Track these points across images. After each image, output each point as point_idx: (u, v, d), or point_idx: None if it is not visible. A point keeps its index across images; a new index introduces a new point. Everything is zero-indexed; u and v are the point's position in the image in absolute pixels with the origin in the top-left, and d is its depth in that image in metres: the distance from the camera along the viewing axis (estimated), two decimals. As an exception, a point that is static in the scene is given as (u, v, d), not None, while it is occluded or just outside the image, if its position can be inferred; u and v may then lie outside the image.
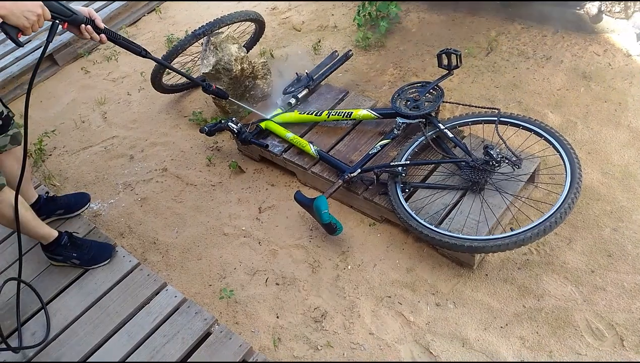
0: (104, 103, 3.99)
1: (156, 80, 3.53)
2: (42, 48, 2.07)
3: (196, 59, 3.94)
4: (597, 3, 3.23)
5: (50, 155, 3.62)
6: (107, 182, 3.31)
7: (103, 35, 2.21)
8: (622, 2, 3.14)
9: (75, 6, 2.16)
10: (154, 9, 5.00)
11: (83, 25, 2.14)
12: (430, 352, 2.18)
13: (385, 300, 2.40)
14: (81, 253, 2.50)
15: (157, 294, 2.39)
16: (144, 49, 2.53)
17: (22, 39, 1.92)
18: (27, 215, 2.33)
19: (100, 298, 2.41)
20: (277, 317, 2.44)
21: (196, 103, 3.81)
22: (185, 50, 3.52)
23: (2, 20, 1.86)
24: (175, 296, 2.36)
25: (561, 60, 3.31)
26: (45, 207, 2.71)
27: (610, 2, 3.18)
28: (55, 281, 2.50)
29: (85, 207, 2.87)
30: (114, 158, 3.48)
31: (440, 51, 2.73)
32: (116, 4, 4.86)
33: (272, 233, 2.81)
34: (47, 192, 2.84)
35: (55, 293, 2.45)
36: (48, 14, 1.96)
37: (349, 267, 2.56)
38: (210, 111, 3.67)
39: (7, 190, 2.21)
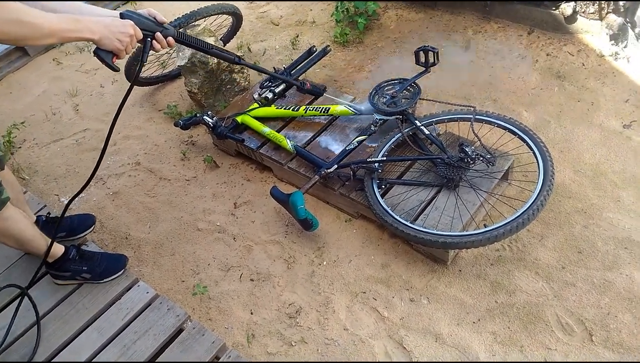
0: (76, 95, 3.91)
1: (130, 73, 3.47)
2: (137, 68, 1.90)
3: (171, 51, 3.89)
4: (571, 4, 3.27)
5: (20, 147, 3.54)
6: (78, 176, 3.24)
7: (170, 38, 2.01)
8: (596, 3, 3.19)
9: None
10: (128, 1, 4.92)
11: (159, 34, 1.94)
12: (404, 347, 2.19)
13: (360, 296, 2.40)
14: (92, 266, 2.35)
15: (128, 290, 2.35)
16: (236, 55, 2.54)
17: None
18: (31, 230, 2.19)
19: (70, 294, 2.36)
20: (251, 313, 2.42)
21: (171, 96, 3.76)
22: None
23: (95, 45, 1.75)
24: (147, 292, 2.32)
25: (536, 59, 3.35)
26: (46, 229, 2.39)
27: (584, 2, 3.22)
28: (23, 277, 2.43)
29: (91, 229, 2.68)
30: (86, 151, 3.41)
31: (418, 48, 2.73)
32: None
33: (247, 228, 2.78)
34: (49, 213, 2.67)
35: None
36: (140, 33, 1.84)
37: (325, 263, 2.56)
38: (185, 104, 3.62)
39: (12, 207, 2.08)
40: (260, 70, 2.96)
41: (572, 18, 3.33)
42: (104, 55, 1.77)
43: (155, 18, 1.96)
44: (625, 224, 2.42)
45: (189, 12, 3.30)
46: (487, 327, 2.20)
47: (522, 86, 3.20)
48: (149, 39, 1.92)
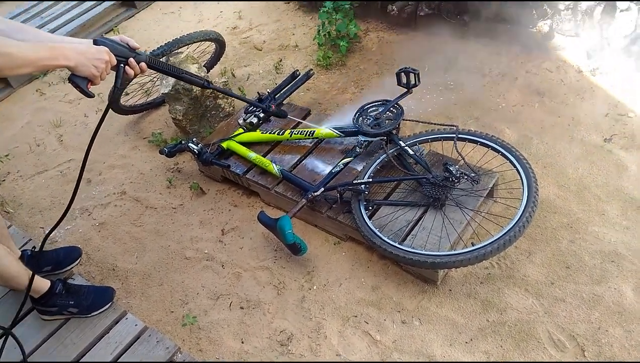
0: (60, 125, 3.89)
1: (113, 100, 3.46)
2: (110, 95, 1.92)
3: (155, 79, 3.90)
4: (548, 22, 3.34)
5: (4, 180, 3.50)
6: (63, 207, 3.14)
7: (143, 64, 2.02)
8: (573, 20, 3.25)
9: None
10: (112, 29, 4.94)
11: (132, 60, 1.96)
12: (397, 371, 2.18)
13: (351, 320, 2.39)
14: (79, 300, 2.32)
15: (116, 323, 2.32)
16: (205, 80, 2.54)
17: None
18: (16, 267, 2.15)
19: (57, 330, 2.33)
20: (242, 342, 2.39)
21: (156, 124, 3.75)
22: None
23: (70, 72, 1.75)
24: (136, 325, 2.30)
25: (516, 77, 3.40)
26: (31, 264, 2.37)
27: (561, 20, 3.29)
28: (9, 314, 2.38)
29: (77, 262, 2.66)
30: (71, 182, 3.39)
31: (399, 70, 2.77)
32: (72, 25, 4.79)
33: (235, 255, 2.76)
34: (34, 247, 2.65)
35: (9, 324, 2.34)
36: (114, 59, 1.85)
37: (315, 288, 2.54)
38: (170, 132, 3.62)
39: None
40: (229, 94, 2.99)
41: (549, 35, 3.40)
42: (79, 81, 1.78)
43: (128, 44, 1.99)
44: (611, 238, 2.44)
45: (171, 40, 3.32)
46: (480, 347, 2.20)
47: (503, 103, 3.25)
48: (122, 65, 1.94)
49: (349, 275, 2.57)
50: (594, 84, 3.20)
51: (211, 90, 3.12)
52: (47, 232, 2.77)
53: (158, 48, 3.25)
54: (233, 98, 3.57)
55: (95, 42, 1.88)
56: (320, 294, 2.51)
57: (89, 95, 1.83)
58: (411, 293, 2.44)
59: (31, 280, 2.11)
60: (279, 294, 2.55)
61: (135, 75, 2.05)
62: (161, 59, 3.29)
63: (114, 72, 1.94)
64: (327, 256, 2.67)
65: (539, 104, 3.18)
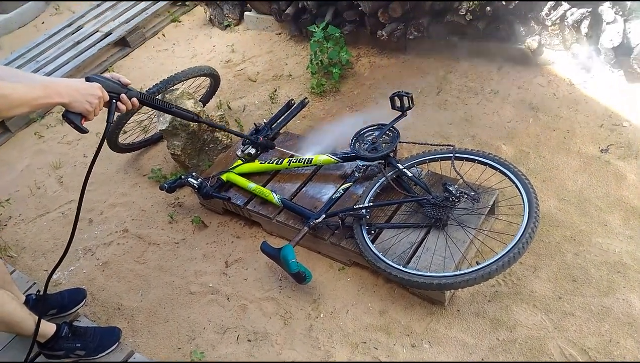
0: (60, 167, 3.92)
1: (112, 140, 3.49)
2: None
3: (152, 116, 3.93)
4: (537, 37, 3.39)
5: (6, 225, 3.51)
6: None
7: (134, 99, 2.09)
8: (561, 35, 3.30)
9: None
10: (107, 69, 5.00)
11: (124, 95, 2.02)
12: (410, 396, 2.15)
13: (360, 347, 2.37)
14: (86, 343, 2.32)
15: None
16: (195, 114, 2.68)
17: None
18: (20, 312, 2.15)
19: (64, 374, 2.30)
20: (252, 375, 2.37)
21: (155, 160, 3.78)
22: (140, 109, 3.52)
23: (64, 108, 1.79)
24: (144, 363, 2.28)
25: (508, 93, 3.44)
26: (36, 308, 2.35)
27: (549, 35, 3.34)
28: (16, 358, 2.37)
29: (82, 303, 2.66)
30: (72, 222, 3.38)
31: (393, 94, 2.79)
32: (67, 67, 4.85)
33: (240, 287, 2.75)
34: (38, 291, 2.65)
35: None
36: (107, 95, 1.90)
37: (322, 316, 2.53)
38: (169, 167, 3.64)
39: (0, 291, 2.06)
40: (217, 127, 3.12)
41: (538, 51, 3.45)
42: (73, 117, 1.82)
43: (119, 80, 2.04)
44: (615, 248, 2.43)
45: (166, 78, 3.36)
46: (492, 366, 2.18)
47: (498, 120, 3.27)
48: (114, 100, 1.98)
49: (355, 301, 2.55)
50: (586, 96, 3.23)
51: (200, 123, 3.19)
52: (57, 276, 2.78)
53: (154, 86, 3.29)
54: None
55: (88, 79, 1.94)
56: (328, 322, 2.50)
57: (83, 130, 1.87)
58: (419, 316, 2.42)
59: (37, 324, 2.11)
60: (286, 324, 2.53)
61: (128, 111, 2.10)
62: (157, 96, 3.34)
63: (107, 109, 1.99)
64: (333, 282, 2.66)
65: (533, 119, 3.20)
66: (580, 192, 2.74)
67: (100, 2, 5.72)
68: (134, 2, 5.54)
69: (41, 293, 2.59)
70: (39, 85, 1.73)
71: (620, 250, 2.42)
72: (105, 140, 3.43)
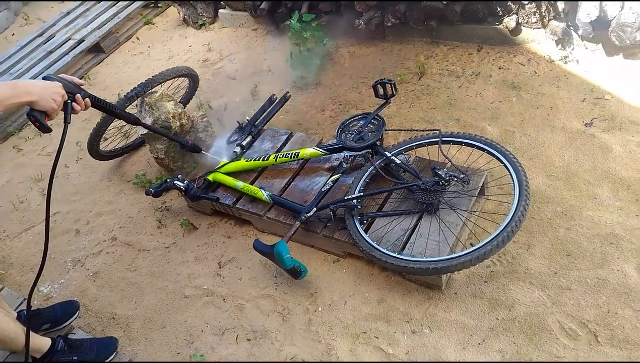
0: (42, 179, 3.84)
1: (93, 148, 3.43)
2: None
3: (133, 121, 3.86)
4: (514, 17, 3.39)
5: (-10, 242, 3.43)
6: (55, 262, 3.15)
7: (87, 100, 2.08)
8: (538, 13, 3.30)
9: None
10: (82, 76, 4.91)
11: (78, 96, 2.00)
12: (414, 382, 2.15)
13: (361, 337, 2.35)
14: (83, 355, 2.28)
15: (123, 372, 2.27)
16: (135, 116, 2.70)
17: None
18: (13, 328, 2.11)
19: (63, 388, 2.26)
20: (254, 374, 2.35)
21: (138, 165, 3.72)
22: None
23: (29, 107, 1.78)
24: (143, 371, 2.24)
25: (490, 74, 3.44)
26: (29, 323, 2.25)
27: (526, 14, 3.34)
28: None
29: (75, 316, 2.61)
30: (59, 235, 3.33)
31: (375, 82, 2.78)
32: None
33: (235, 287, 2.72)
34: (30, 307, 2.59)
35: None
36: (66, 95, 1.90)
37: (320, 309, 2.51)
38: (154, 171, 3.58)
39: None
40: (158, 132, 3.13)
41: (516, 30, 3.45)
42: (39, 115, 1.82)
43: (73, 81, 2.02)
44: (607, 220, 2.45)
45: (144, 81, 3.31)
46: (493, 346, 2.18)
47: (481, 102, 3.27)
48: (69, 101, 1.97)
49: (352, 292, 2.54)
50: (567, 72, 3.25)
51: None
52: (47, 289, 2.74)
53: (132, 90, 3.24)
54: (213, 130, 3.56)
55: (47, 78, 1.93)
56: (327, 315, 2.48)
57: (48, 129, 1.86)
58: (417, 302, 2.42)
59: (27, 338, 2.06)
60: (284, 320, 2.51)
61: (82, 110, 2.07)
62: (136, 100, 3.28)
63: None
64: (328, 275, 2.64)
65: (516, 98, 3.21)
66: (568, 167, 2.75)
67: (70, 9, 5.61)
68: (107, 2, 5.43)
69: (32, 308, 2.54)
70: (7, 86, 1.74)
71: (612, 222, 2.44)
72: (88, 149, 3.42)
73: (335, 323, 2.44)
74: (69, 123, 1.95)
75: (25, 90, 1.75)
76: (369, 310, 2.44)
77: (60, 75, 2.02)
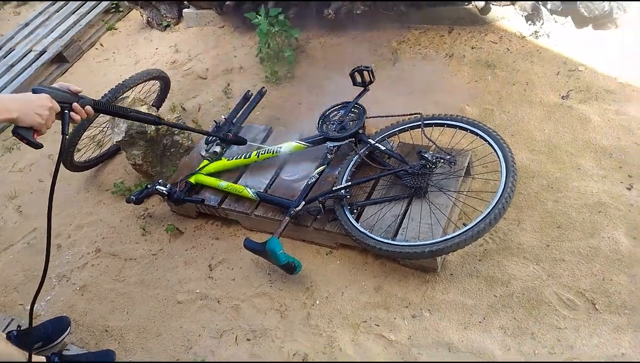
0: (16, 196, 3.72)
1: (68, 160, 3.33)
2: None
3: (105, 129, 3.77)
4: (482, -5, 3.41)
5: (-33, 266, 3.31)
6: (39, 280, 3.03)
7: (88, 107, 1.93)
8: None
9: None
10: (51, 84, 4.76)
11: (76, 104, 1.87)
12: (420, 366, 2.15)
13: (362, 326, 2.35)
14: None
15: (123, 385, 2.21)
16: (156, 116, 2.52)
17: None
18: (7, 348, 2.03)
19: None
20: (257, 374, 2.32)
21: (115, 174, 3.63)
22: (92, 122, 3.37)
23: (14, 125, 1.67)
24: (144, 382, 2.19)
25: (463, 55, 3.45)
26: (19, 344, 2.21)
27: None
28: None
29: (67, 332, 2.53)
30: (40, 252, 3.22)
31: (353, 70, 2.76)
32: (6, 91, 4.61)
33: (229, 288, 2.68)
34: (19, 326, 2.50)
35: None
36: (57, 106, 1.78)
37: (318, 302, 2.49)
38: (132, 179, 3.50)
39: None
40: (183, 128, 3.05)
41: (486, 9, 3.47)
42: (24, 132, 1.72)
43: (69, 89, 1.90)
44: (592, 189, 2.49)
45: (115, 86, 3.23)
46: (494, 323, 2.19)
47: (457, 83, 3.29)
48: (66, 111, 1.85)
49: (348, 282, 2.53)
50: (539, 47, 3.28)
51: (165, 126, 3.06)
52: (29, 308, 2.64)
53: (102, 97, 3.15)
54: (190, 132, 3.50)
55: (34, 91, 1.81)
56: (325, 307, 2.46)
57: (37, 145, 1.76)
58: (414, 286, 2.42)
59: (29, 359, 1.99)
60: (282, 317, 2.49)
61: (84, 119, 1.97)
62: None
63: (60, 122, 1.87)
64: (322, 268, 2.62)
65: (491, 76, 3.23)
66: (549, 141, 2.78)
67: (29, 20, 5.43)
68: (66, 10, 5.28)
69: (22, 328, 2.46)
70: None
71: (598, 191, 2.48)
72: (61, 161, 3.31)
73: (334, 315, 2.42)
74: (67, 135, 1.85)
75: (4, 107, 1.63)
76: (367, 299, 2.44)
77: (54, 85, 1.90)
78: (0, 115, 1.63)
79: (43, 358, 2.18)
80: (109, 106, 2.25)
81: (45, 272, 1.87)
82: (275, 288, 2.61)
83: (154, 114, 3.24)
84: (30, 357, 1.97)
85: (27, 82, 4.74)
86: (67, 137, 1.85)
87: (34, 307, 1.99)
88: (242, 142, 3.03)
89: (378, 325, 2.33)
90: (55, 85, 1.91)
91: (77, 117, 1.89)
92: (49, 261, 1.90)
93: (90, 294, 2.89)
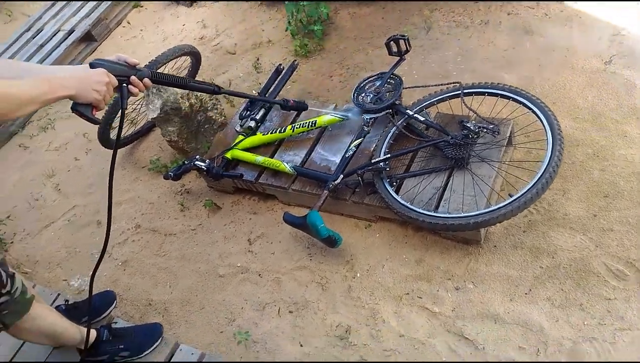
0: (54, 175, 3.78)
1: (104, 137, 3.36)
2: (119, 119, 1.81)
3: (139, 106, 3.79)
4: (518, -40, 3.30)
5: (12, 242, 3.39)
6: (81, 255, 3.12)
7: (147, 80, 1.88)
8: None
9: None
10: (81, 63, 4.80)
11: (134, 77, 1.82)
12: (466, 338, 2.14)
13: (404, 298, 2.34)
14: (129, 343, 2.25)
15: (172, 356, 2.25)
16: (215, 85, 2.47)
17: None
18: (61, 322, 2.08)
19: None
20: (301, 345, 2.34)
21: (150, 151, 3.66)
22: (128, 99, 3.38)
23: (72, 101, 1.64)
24: (192, 353, 2.24)
25: (499, 21, 3.36)
26: (69, 317, 2.22)
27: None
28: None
29: (113, 305, 2.58)
30: (81, 228, 3.29)
31: (388, 39, 2.71)
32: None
33: (269, 262, 2.70)
34: (67, 301, 2.56)
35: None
36: (115, 80, 1.73)
37: (358, 275, 2.49)
38: (167, 155, 3.52)
39: (38, 305, 1.98)
40: (243, 96, 3.02)
41: (523, -27, 3.36)
42: (83, 109, 1.67)
43: (126, 61, 1.84)
44: (640, 157, 2.42)
45: (148, 63, 3.22)
46: (541, 295, 2.17)
47: (494, 50, 3.20)
48: (124, 84, 1.80)
49: (389, 255, 2.52)
50: (578, 11, 3.17)
51: (222, 94, 2.93)
52: (77, 283, 2.71)
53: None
54: (222, 107, 3.49)
55: (92, 65, 1.76)
56: (366, 280, 2.46)
57: (96, 121, 1.72)
58: (456, 258, 2.40)
59: (88, 331, 2.05)
60: (324, 290, 2.50)
61: (141, 91, 1.93)
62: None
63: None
64: (362, 241, 2.62)
65: (529, 43, 3.14)
66: (593, 108, 2.71)
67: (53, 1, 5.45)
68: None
69: (70, 302, 2.52)
70: (42, 80, 1.58)
71: (646, 158, 2.41)
72: (99, 139, 3.35)
73: (375, 287, 2.43)
74: (126, 108, 1.81)
75: (61, 84, 1.59)
76: (408, 272, 2.43)
77: (112, 58, 1.84)
78: (58, 92, 1.58)
79: (93, 332, 2.22)
80: (167, 77, 2.16)
81: (105, 247, 1.87)
82: (315, 261, 2.62)
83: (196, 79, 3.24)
84: (88, 329, 2.01)
85: (57, 61, 4.77)
86: (125, 110, 1.80)
87: (74, 286, 2.01)
88: (303, 107, 3.02)
89: (421, 298, 2.33)
90: (112, 57, 1.85)
91: (135, 90, 1.84)
92: (109, 237, 1.87)
93: (132, 269, 2.94)
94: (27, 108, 1.52)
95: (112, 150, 3.49)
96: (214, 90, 2.45)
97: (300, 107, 3.03)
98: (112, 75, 1.72)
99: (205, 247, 2.89)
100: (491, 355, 2.08)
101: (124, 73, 1.80)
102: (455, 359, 2.10)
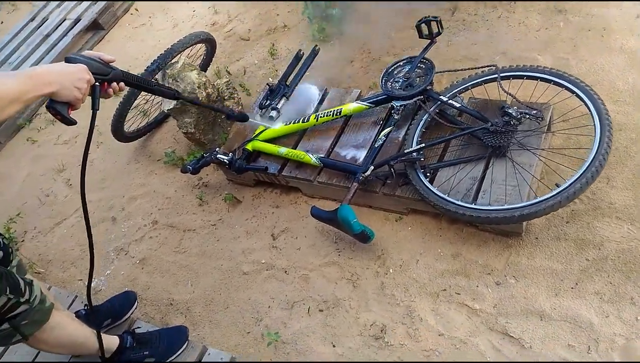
0: (64, 169, 3.66)
1: (118, 130, 3.23)
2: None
3: (151, 98, 3.65)
4: None
5: (23, 240, 3.28)
6: (97, 253, 2.96)
7: (122, 83, 1.78)
8: None
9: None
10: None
11: (110, 76, 1.70)
12: (511, 336, 2.02)
13: (441, 295, 2.22)
14: (154, 349, 2.15)
15: (200, 360, 2.14)
16: (175, 90, 2.31)
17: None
18: (82, 331, 1.97)
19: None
20: (334, 346, 2.22)
21: (164, 143, 3.53)
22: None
23: (49, 99, 1.51)
24: (222, 357, 2.13)
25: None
26: (89, 323, 2.11)
27: None
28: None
29: (135, 306, 2.49)
30: (95, 225, 3.16)
31: (419, 21, 2.56)
32: (45, 62, 4.51)
33: (295, 257, 2.58)
34: (86, 305, 2.46)
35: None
36: (93, 79, 1.60)
37: (391, 271, 2.37)
38: (182, 147, 3.40)
39: (57, 313, 1.88)
40: (207, 107, 2.96)
41: (553, -51, 3.19)
42: (60, 108, 1.54)
43: (101, 58, 1.71)
44: (691, 141, 2.28)
45: (163, 52, 3.09)
46: (588, 289, 2.04)
47: (526, 31, 3.05)
48: (97, 83, 1.65)
49: (423, 249, 2.39)
50: (614, -12, 3.01)
51: (181, 100, 2.79)
52: (86, 292, 2.60)
53: (152, 63, 3.02)
54: (239, 97, 3.36)
55: (68, 60, 1.62)
56: (399, 276, 2.34)
57: (72, 122, 1.59)
58: (496, 252, 2.27)
59: (99, 339, 1.93)
60: (355, 287, 2.38)
61: (115, 94, 1.78)
62: (157, 73, 3.07)
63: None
64: (393, 235, 2.49)
65: (563, 23, 2.98)
66: (634, 90, 2.56)
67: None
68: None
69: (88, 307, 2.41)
70: (24, 78, 1.44)
71: (697, 142, 2.27)
72: (112, 132, 3.22)
73: (410, 283, 2.30)
74: (98, 110, 1.65)
75: (44, 80, 1.45)
76: (444, 267, 2.30)
77: (85, 53, 1.70)
78: (42, 90, 1.45)
79: (116, 338, 2.11)
80: (134, 78, 1.99)
81: (92, 254, 1.74)
82: (344, 257, 2.49)
83: (205, 78, 3.11)
84: (99, 335, 1.89)
85: (64, 52, 4.62)
86: (97, 111, 1.65)
87: (91, 289, 1.86)
88: (244, 118, 2.84)
89: (459, 294, 2.20)
90: (86, 52, 1.71)
91: (110, 92, 1.72)
92: (93, 242, 1.75)
93: (150, 267, 2.82)
94: (11, 108, 1.38)
95: (125, 143, 3.41)
96: (174, 95, 2.31)
97: (241, 118, 2.83)
98: (91, 73, 1.59)
99: (227, 242, 2.77)
100: (539, 354, 1.96)
101: (100, 71, 1.67)
102: (502, 359, 1.98)
